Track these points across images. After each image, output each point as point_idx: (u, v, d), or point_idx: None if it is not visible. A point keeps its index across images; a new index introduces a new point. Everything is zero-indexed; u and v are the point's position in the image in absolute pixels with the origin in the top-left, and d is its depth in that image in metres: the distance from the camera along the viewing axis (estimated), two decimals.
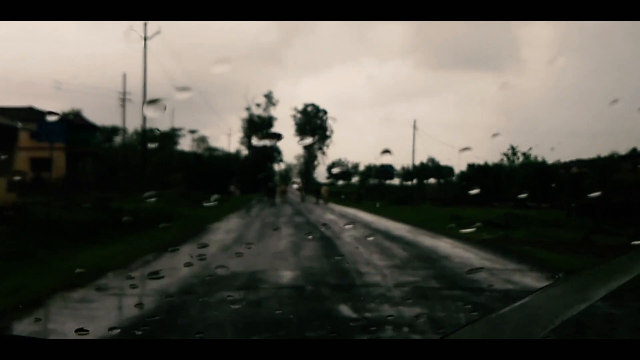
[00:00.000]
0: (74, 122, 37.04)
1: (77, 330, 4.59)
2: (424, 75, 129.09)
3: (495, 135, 7.30)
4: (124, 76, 35.54)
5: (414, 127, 46.47)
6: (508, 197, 33.77)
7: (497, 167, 41.33)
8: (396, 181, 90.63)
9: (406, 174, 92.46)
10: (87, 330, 4.50)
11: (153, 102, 1.34)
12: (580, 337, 3.62)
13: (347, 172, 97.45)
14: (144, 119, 26.07)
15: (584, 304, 1.21)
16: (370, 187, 73.24)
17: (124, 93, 29.82)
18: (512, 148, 40.92)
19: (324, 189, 37.70)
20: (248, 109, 71.54)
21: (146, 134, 30.19)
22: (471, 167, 42.49)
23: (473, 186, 35.52)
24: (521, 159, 40.32)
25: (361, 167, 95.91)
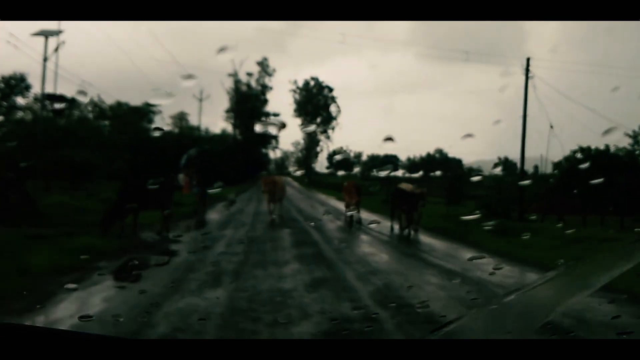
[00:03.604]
0: None
1: (80, 317, 4.47)
2: (426, 66, 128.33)
3: (497, 122, 7.13)
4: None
5: (527, 70, 22.75)
6: None
7: (630, 155, 24.55)
8: (399, 173, 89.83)
9: (412, 165, 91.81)
10: (91, 316, 4.36)
11: (156, 89, 1.30)
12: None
13: (349, 161, 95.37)
14: None
15: None
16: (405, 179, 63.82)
17: None
18: None
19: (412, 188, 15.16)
20: (234, 74, 51.16)
21: None
22: (586, 151, 24.09)
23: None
24: None
25: (363, 157, 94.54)
